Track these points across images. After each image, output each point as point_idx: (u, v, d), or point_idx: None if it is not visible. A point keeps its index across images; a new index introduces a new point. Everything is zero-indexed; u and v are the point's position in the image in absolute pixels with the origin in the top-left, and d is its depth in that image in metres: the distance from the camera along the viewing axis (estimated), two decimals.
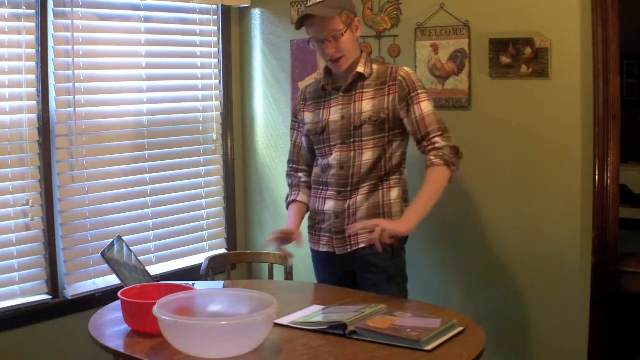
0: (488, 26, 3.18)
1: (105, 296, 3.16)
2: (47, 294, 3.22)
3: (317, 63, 3.73)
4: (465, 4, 3.24)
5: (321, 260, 2.82)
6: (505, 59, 3.14)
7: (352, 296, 2.57)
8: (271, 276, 3.30)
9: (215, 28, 3.90)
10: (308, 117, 2.81)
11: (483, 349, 2.09)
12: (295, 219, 2.80)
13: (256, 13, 3.97)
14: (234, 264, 3.84)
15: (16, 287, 3.11)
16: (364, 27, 3.54)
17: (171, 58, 3.72)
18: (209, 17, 3.87)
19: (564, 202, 3.06)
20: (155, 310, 1.97)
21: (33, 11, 3.10)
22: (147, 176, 3.61)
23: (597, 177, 2.98)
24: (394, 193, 2.70)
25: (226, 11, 3.94)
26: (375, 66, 2.73)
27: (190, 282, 2.67)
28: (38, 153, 3.15)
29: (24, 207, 3.12)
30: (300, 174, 2.89)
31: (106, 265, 2.54)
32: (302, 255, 3.71)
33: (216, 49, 3.91)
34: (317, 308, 2.40)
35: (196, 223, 3.87)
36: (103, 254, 2.53)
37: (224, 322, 1.97)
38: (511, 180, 3.20)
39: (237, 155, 4.06)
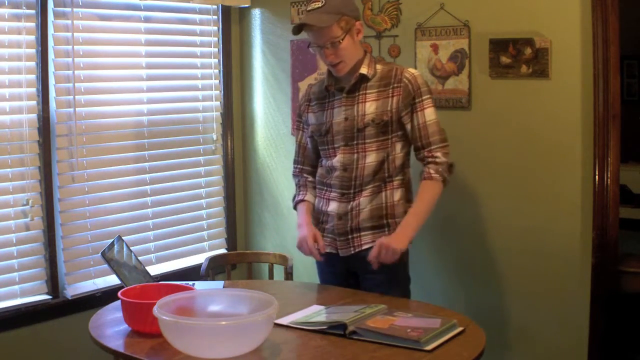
0: (488, 26, 3.18)
1: (105, 296, 3.16)
2: (47, 294, 3.22)
3: (317, 63, 3.73)
4: (465, 4, 3.24)
5: (323, 261, 2.82)
6: (505, 59, 3.14)
7: (353, 296, 2.57)
8: (271, 276, 3.30)
9: (215, 28, 3.90)
10: (312, 117, 2.80)
11: (483, 349, 2.09)
12: (308, 217, 2.79)
13: (256, 13, 3.97)
14: (234, 264, 3.84)
15: (16, 287, 3.11)
16: (364, 27, 3.54)
17: (171, 58, 3.72)
18: (209, 17, 3.87)
19: (564, 202, 3.06)
20: (155, 310, 1.97)
21: (33, 11, 3.10)
22: (147, 176, 3.61)
23: (597, 177, 2.98)
24: (397, 194, 2.70)
25: (226, 11, 3.94)
26: (378, 66, 2.72)
27: (190, 282, 2.67)
28: (38, 153, 3.15)
29: (24, 207, 3.12)
30: (306, 175, 2.89)
31: (106, 265, 2.54)
32: (302, 255, 3.70)
33: (216, 49, 3.91)
34: (317, 308, 2.40)
35: (196, 223, 3.87)
36: (103, 254, 2.53)
37: (224, 322, 1.97)
38: (511, 180, 3.20)
39: (237, 155, 4.06)
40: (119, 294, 2.23)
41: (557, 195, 3.08)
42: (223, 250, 3.95)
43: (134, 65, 3.55)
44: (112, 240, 2.66)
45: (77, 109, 3.26)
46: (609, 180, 2.96)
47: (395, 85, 2.65)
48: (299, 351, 2.09)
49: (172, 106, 3.73)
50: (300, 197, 2.87)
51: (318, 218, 2.81)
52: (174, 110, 3.74)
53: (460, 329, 2.17)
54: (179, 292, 2.21)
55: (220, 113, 3.94)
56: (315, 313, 2.33)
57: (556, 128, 3.06)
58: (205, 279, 3.19)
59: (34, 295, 3.18)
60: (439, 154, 2.65)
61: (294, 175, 2.95)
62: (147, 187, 3.62)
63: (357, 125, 2.67)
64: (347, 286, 2.71)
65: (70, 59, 3.23)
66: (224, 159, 3.98)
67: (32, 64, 3.12)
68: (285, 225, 3.94)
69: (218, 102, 3.93)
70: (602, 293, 3.01)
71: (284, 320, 2.26)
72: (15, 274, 3.11)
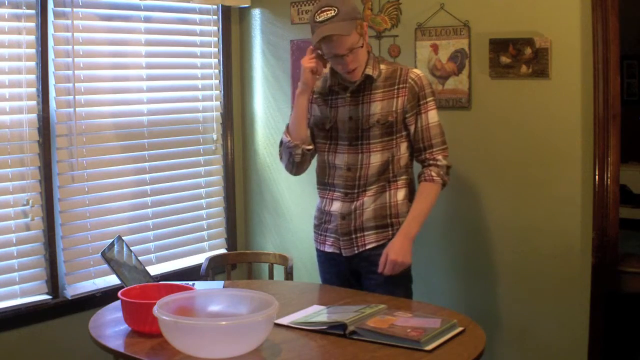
0: (488, 26, 3.18)
1: (105, 296, 3.16)
2: (47, 294, 3.22)
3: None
4: (465, 4, 3.24)
5: (326, 260, 2.82)
6: (505, 59, 3.14)
7: (353, 296, 2.57)
8: (271, 276, 3.30)
9: (215, 28, 3.90)
10: (316, 109, 2.78)
11: (483, 349, 2.09)
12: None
13: (256, 13, 3.97)
14: (234, 264, 3.84)
15: (16, 287, 3.11)
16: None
17: (171, 58, 3.72)
18: (209, 17, 3.87)
19: (564, 202, 3.06)
20: (155, 310, 1.97)
21: (33, 11, 3.10)
22: (147, 176, 3.61)
23: (597, 177, 2.98)
24: (401, 194, 2.70)
25: (226, 11, 3.94)
26: (382, 66, 2.70)
27: (190, 282, 2.67)
28: (38, 153, 3.15)
29: (24, 207, 3.12)
30: None
31: (106, 265, 2.54)
32: (302, 255, 3.71)
33: (216, 49, 3.91)
34: (317, 308, 2.40)
35: (196, 223, 3.86)
36: (103, 254, 2.53)
37: (224, 322, 1.97)
38: (511, 180, 3.20)
39: (237, 155, 4.06)
40: (119, 294, 2.23)
41: (557, 195, 3.08)
42: (223, 250, 3.95)
43: (134, 65, 3.54)
44: (112, 240, 2.66)
45: (77, 109, 3.26)
46: (609, 180, 2.96)
47: (401, 85, 2.65)
48: (299, 351, 2.09)
49: (172, 106, 3.73)
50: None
51: (321, 218, 2.80)
52: (174, 110, 3.74)
53: (461, 329, 2.17)
54: (179, 292, 2.21)
55: (220, 113, 3.94)
56: (315, 313, 2.33)
57: (556, 128, 3.06)
58: (205, 279, 3.19)
59: (34, 295, 3.18)
60: (440, 157, 2.67)
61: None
62: (147, 187, 3.61)
63: (362, 126, 2.66)
64: (348, 287, 2.71)
65: (70, 59, 3.23)
66: (224, 159, 3.98)
67: (32, 64, 3.12)
68: (285, 225, 3.94)
69: (218, 102, 3.93)
70: (602, 293, 3.01)
71: (284, 320, 2.26)
72: (15, 274, 3.11)
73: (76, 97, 3.26)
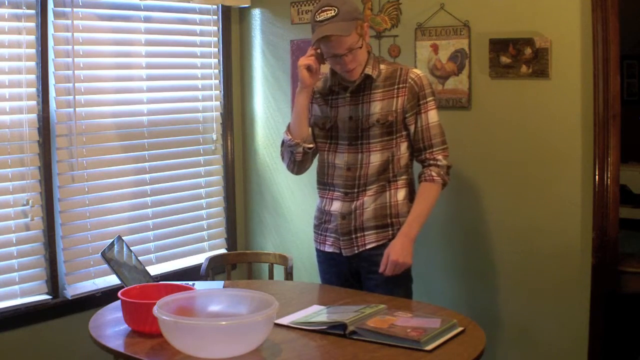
0: (488, 26, 3.18)
1: (105, 296, 3.16)
2: (47, 294, 3.22)
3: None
4: (465, 4, 3.24)
5: (326, 260, 2.82)
6: (505, 59, 3.14)
7: (352, 296, 2.57)
8: (271, 276, 3.30)
9: (215, 28, 3.90)
10: (317, 109, 2.78)
11: (483, 349, 2.09)
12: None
13: (256, 13, 3.97)
14: (234, 264, 3.84)
15: (16, 287, 3.11)
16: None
17: (171, 58, 3.72)
18: (209, 17, 3.87)
19: (564, 202, 3.06)
20: (155, 310, 1.97)
21: (33, 11, 3.10)
22: (147, 176, 3.61)
23: (597, 177, 2.98)
24: (401, 194, 2.70)
25: (226, 11, 3.94)
26: (382, 66, 2.70)
27: (190, 282, 2.67)
28: (38, 153, 3.15)
29: (24, 207, 3.12)
30: None
31: (106, 265, 2.54)
32: (302, 255, 3.72)
33: (216, 49, 3.91)
34: (317, 308, 2.40)
35: (196, 223, 3.87)
36: (103, 254, 2.53)
37: (224, 322, 1.97)
38: (511, 180, 3.20)
39: (237, 155, 4.06)
40: (119, 294, 2.23)
41: (557, 195, 3.08)
42: (223, 250, 3.95)
43: (134, 65, 3.54)
44: (112, 240, 2.66)
45: (77, 109, 3.26)
46: (609, 180, 2.96)
47: (401, 85, 2.65)
48: (299, 351, 2.09)
49: (172, 106, 3.73)
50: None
51: (320, 218, 2.80)
52: (174, 110, 3.74)
53: (461, 329, 2.17)
54: (179, 292, 2.21)
55: (220, 113, 3.94)
56: (315, 313, 2.33)
57: (556, 128, 3.06)
58: (205, 279, 3.19)
59: (34, 295, 3.18)
60: (440, 157, 2.66)
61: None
62: (147, 187, 3.61)
63: (362, 126, 2.66)
64: (348, 287, 2.71)
65: (70, 59, 3.23)
66: (224, 159, 3.98)
67: (32, 64, 3.12)
68: (285, 225, 3.94)
69: (218, 102, 3.93)
70: (602, 293, 3.01)
71: (284, 320, 2.26)
72: (15, 274, 3.11)
73: (76, 97, 3.26)
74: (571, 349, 3.08)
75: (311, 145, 2.77)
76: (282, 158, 2.83)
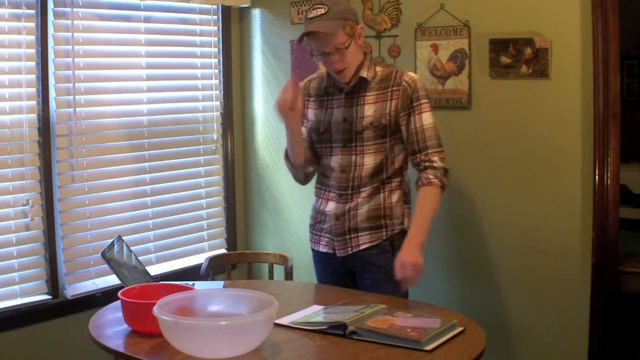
0: (488, 26, 3.18)
1: (105, 296, 3.16)
2: (47, 294, 3.22)
3: (317, 63, 3.72)
4: (465, 4, 3.24)
5: (321, 260, 2.82)
6: (505, 59, 3.14)
7: (352, 296, 2.57)
8: (271, 276, 3.30)
9: (215, 28, 3.90)
10: (311, 114, 2.78)
11: (483, 349, 2.09)
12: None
13: (256, 13, 3.97)
14: (234, 264, 3.84)
15: (16, 287, 3.11)
16: (364, 29, 3.54)
17: (171, 58, 3.72)
18: (209, 17, 3.87)
19: (564, 202, 3.06)
20: (155, 310, 1.97)
21: (33, 11, 3.10)
22: (147, 176, 3.61)
23: (597, 177, 2.98)
24: (395, 196, 2.69)
25: (226, 11, 3.94)
26: (378, 68, 2.69)
27: (190, 282, 2.67)
28: (38, 153, 3.15)
29: (24, 207, 3.12)
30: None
31: (106, 265, 2.54)
32: (302, 255, 3.71)
33: (216, 49, 3.91)
34: (317, 308, 2.40)
35: (196, 223, 3.87)
36: (103, 254, 2.53)
37: (224, 322, 1.97)
38: (511, 180, 3.20)
39: (237, 155, 4.06)
40: (119, 294, 2.23)
41: (557, 195, 3.08)
42: (223, 250, 3.95)
43: (134, 65, 3.54)
44: (112, 240, 2.66)
45: (77, 109, 3.26)
46: (609, 180, 2.96)
47: (395, 88, 2.64)
48: (299, 351, 2.09)
49: (172, 106, 3.73)
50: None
51: (316, 218, 2.80)
52: (174, 110, 3.74)
53: (460, 329, 2.17)
54: (179, 292, 2.21)
55: (220, 113, 3.94)
56: (315, 313, 2.33)
57: (556, 128, 3.06)
58: (205, 279, 3.19)
59: (34, 295, 3.18)
60: (435, 158, 2.63)
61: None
62: (147, 187, 3.61)
63: (356, 128, 2.65)
64: (344, 286, 2.71)
65: (70, 59, 3.23)
66: (224, 159, 3.98)
67: (32, 64, 3.12)
68: (285, 225, 3.94)
69: (218, 102, 3.93)
70: (602, 293, 3.01)
71: (284, 320, 2.26)
72: (15, 274, 3.11)
73: (76, 97, 3.26)
74: (571, 349, 3.08)
75: (311, 169, 2.81)
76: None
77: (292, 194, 3.87)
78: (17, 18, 3.05)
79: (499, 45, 3.15)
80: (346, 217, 2.68)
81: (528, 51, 3.07)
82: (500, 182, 3.23)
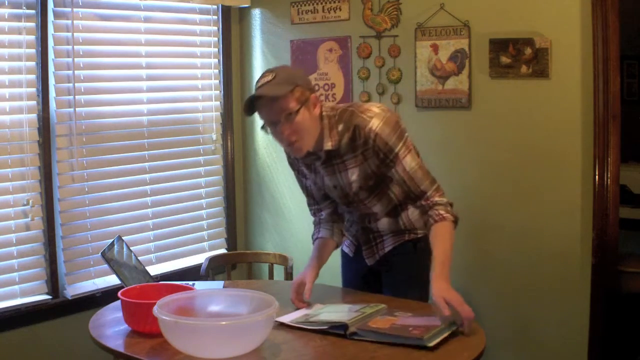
0: (488, 26, 3.18)
1: (105, 296, 3.16)
2: (47, 294, 3.22)
3: (317, 63, 3.73)
4: (465, 4, 3.24)
5: (347, 260, 2.80)
6: (505, 59, 3.14)
7: (352, 295, 2.57)
8: (271, 276, 3.30)
9: (215, 28, 3.90)
10: (307, 170, 2.63)
11: (483, 348, 2.08)
12: (313, 260, 2.62)
13: (256, 13, 3.97)
14: (234, 264, 3.84)
15: (16, 287, 3.11)
16: (364, 27, 3.55)
17: (171, 58, 3.72)
18: (209, 17, 3.87)
19: (564, 202, 3.06)
20: (155, 310, 1.97)
21: (33, 11, 3.10)
22: (147, 176, 3.61)
23: (597, 177, 2.98)
24: (415, 211, 2.56)
25: (226, 11, 3.94)
26: (340, 127, 2.43)
27: (190, 282, 2.66)
28: (38, 153, 3.15)
29: (24, 207, 3.12)
30: (322, 213, 2.72)
31: (106, 265, 2.54)
32: (302, 255, 3.71)
33: (216, 49, 3.91)
34: (318, 307, 2.40)
35: (196, 223, 3.87)
36: (103, 254, 2.53)
37: (224, 322, 1.96)
38: (511, 180, 3.20)
39: (237, 155, 4.06)
40: (119, 294, 2.23)
41: (557, 195, 3.08)
42: (223, 250, 3.95)
43: (134, 65, 3.55)
44: (112, 240, 2.66)
45: (77, 109, 3.26)
46: (609, 180, 2.97)
47: (364, 148, 2.43)
48: (299, 351, 2.09)
49: (172, 106, 3.73)
50: (315, 236, 2.71)
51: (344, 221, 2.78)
52: (174, 111, 3.74)
53: (460, 324, 2.17)
54: (179, 292, 2.21)
55: (220, 113, 3.94)
56: (316, 312, 2.33)
57: (556, 128, 3.06)
58: (205, 279, 3.19)
59: (34, 295, 3.18)
60: (436, 199, 2.45)
61: (313, 215, 2.77)
62: (147, 187, 3.62)
63: (350, 192, 2.53)
64: (369, 284, 2.67)
65: (70, 59, 3.23)
66: (224, 159, 3.98)
67: (32, 64, 3.12)
68: (285, 225, 3.94)
69: (218, 102, 3.93)
70: (602, 293, 3.01)
71: (285, 320, 2.26)
72: (15, 274, 3.11)
73: (76, 97, 3.26)
74: (571, 349, 3.08)
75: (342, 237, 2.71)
76: None
77: (292, 194, 3.87)
78: (17, 18, 3.05)
79: (499, 45, 3.15)
80: (369, 237, 2.65)
81: (528, 51, 3.07)
82: (500, 182, 3.23)
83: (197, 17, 3.81)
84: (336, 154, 2.45)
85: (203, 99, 3.87)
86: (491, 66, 3.18)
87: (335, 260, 2.84)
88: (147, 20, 3.57)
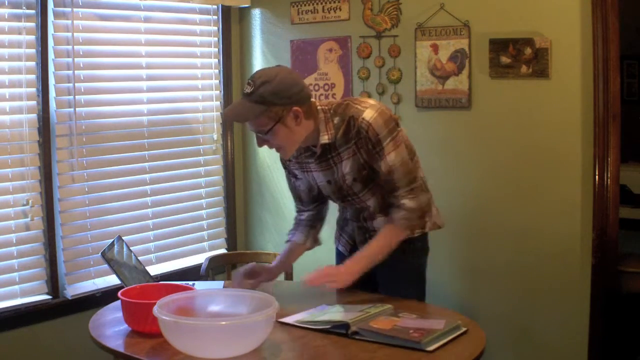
0: (488, 26, 3.18)
1: (105, 296, 3.15)
2: (47, 294, 3.22)
3: (317, 63, 3.73)
4: (465, 4, 3.24)
5: (343, 259, 2.79)
6: (505, 59, 3.14)
7: (353, 296, 2.57)
8: None
9: (215, 28, 3.90)
10: (299, 173, 2.66)
11: (483, 348, 2.09)
12: (278, 262, 2.70)
13: (256, 13, 3.97)
14: (234, 264, 3.84)
15: (16, 287, 3.11)
16: (364, 27, 3.55)
17: (171, 58, 3.72)
18: (209, 17, 3.87)
19: (564, 202, 3.06)
20: (155, 310, 1.97)
21: (33, 11, 3.10)
22: (147, 176, 3.61)
23: (597, 177, 2.98)
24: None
25: (226, 11, 3.94)
26: (336, 120, 2.45)
27: (190, 282, 2.67)
28: (38, 153, 3.15)
29: (24, 207, 3.12)
30: (304, 213, 2.77)
31: (106, 265, 2.54)
32: (302, 255, 3.70)
33: (216, 49, 3.91)
34: (323, 307, 2.40)
35: (196, 223, 3.87)
36: (103, 254, 2.53)
37: (224, 322, 1.97)
38: (511, 180, 3.20)
39: (237, 155, 4.06)
40: (119, 294, 2.23)
41: (557, 195, 3.08)
42: (223, 250, 3.95)
43: (134, 65, 3.54)
44: (112, 240, 2.66)
45: (77, 109, 3.26)
46: (609, 180, 2.97)
47: (357, 139, 2.44)
48: (299, 351, 2.09)
49: (172, 106, 3.73)
50: (288, 237, 2.77)
51: (340, 222, 2.79)
52: (174, 111, 3.74)
53: (464, 329, 2.17)
54: (179, 292, 2.21)
55: (220, 113, 3.94)
56: (321, 312, 2.33)
57: (556, 128, 3.06)
58: (205, 279, 3.19)
59: (34, 295, 3.18)
60: (405, 201, 2.45)
61: (297, 213, 2.83)
62: (147, 187, 3.62)
63: (344, 185, 2.54)
64: (365, 281, 2.67)
65: (70, 59, 3.23)
66: (224, 159, 3.98)
67: (32, 64, 3.12)
68: (285, 225, 3.92)
69: (218, 102, 3.93)
70: (602, 293, 3.01)
71: (290, 319, 2.26)
72: (15, 274, 3.11)
73: (76, 97, 3.26)
74: (571, 349, 3.08)
75: (323, 214, 2.75)
76: None
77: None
78: (17, 18, 3.05)
79: (499, 45, 3.15)
80: (366, 236, 2.65)
81: (528, 51, 3.07)
82: (500, 182, 3.23)
83: (197, 17, 3.81)
84: (332, 147, 2.47)
85: (203, 99, 3.87)
86: (491, 66, 3.18)
87: (331, 259, 2.84)
88: (147, 20, 3.57)
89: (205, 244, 3.90)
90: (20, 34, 3.06)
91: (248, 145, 4.06)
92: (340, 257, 2.78)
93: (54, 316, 3.22)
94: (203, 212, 3.89)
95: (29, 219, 3.12)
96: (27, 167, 3.11)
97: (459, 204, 3.30)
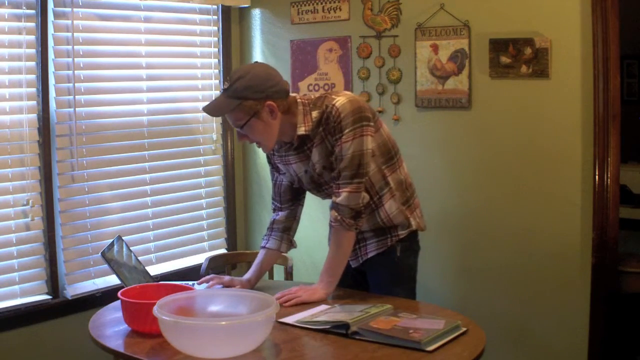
0: (488, 26, 3.18)
1: (105, 296, 3.16)
2: (47, 294, 3.22)
3: (317, 63, 3.73)
4: (465, 4, 3.24)
5: None
6: (505, 59, 3.14)
7: (354, 296, 2.57)
8: (271, 276, 3.30)
9: (215, 28, 3.90)
10: (281, 166, 2.68)
11: (483, 349, 2.09)
12: (252, 273, 2.71)
13: (256, 13, 3.97)
14: (234, 264, 3.84)
15: (16, 287, 3.11)
16: (364, 27, 3.55)
17: (171, 58, 3.72)
18: (209, 17, 3.87)
19: (564, 202, 3.06)
20: (155, 310, 1.97)
21: (33, 11, 3.10)
22: (147, 176, 3.61)
23: (597, 177, 2.98)
24: (392, 207, 2.58)
25: (226, 11, 3.94)
26: (314, 114, 2.47)
27: (190, 282, 2.66)
28: (38, 153, 3.15)
29: (24, 207, 3.12)
30: (280, 213, 2.75)
31: (106, 265, 2.54)
32: (302, 255, 3.71)
33: (216, 49, 3.91)
34: (323, 307, 2.40)
35: (196, 223, 3.87)
36: (103, 254, 2.53)
37: (224, 322, 1.97)
38: (511, 180, 3.20)
39: (237, 155, 4.06)
40: (119, 294, 2.23)
41: (557, 195, 3.08)
42: (223, 250, 3.95)
43: (134, 65, 3.54)
44: (112, 240, 2.66)
45: (77, 109, 3.26)
46: (609, 180, 2.97)
47: (325, 124, 2.46)
48: (299, 351, 2.09)
49: (172, 106, 3.73)
50: (262, 243, 2.77)
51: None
52: (174, 111, 3.74)
53: (464, 329, 2.17)
54: (179, 292, 2.21)
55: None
56: (321, 312, 2.33)
57: (556, 128, 3.07)
58: None
59: (34, 295, 3.18)
60: (342, 191, 2.44)
61: (273, 211, 2.82)
62: (147, 187, 3.62)
63: (316, 174, 2.55)
64: (357, 283, 2.69)
65: (70, 59, 3.23)
66: (224, 159, 3.98)
67: (32, 64, 3.12)
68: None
69: None
70: (602, 293, 3.01)
71: (290, 319, 2.27)
72: (15, 274, 3.11)
73: (76, 97, 3.26)
74: (571, 349, 3.08)
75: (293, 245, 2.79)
76: None
77: None
78: (17, 18, 3.05)
79: (498, 45, 3.15)
80: (355, 243, 2.65)
81: (528, 51, 3.07)
82: (499, 181, 3.23)
83: (197, 17, 3.81)
84: (308, 139, 2.51)
85: (203, 99, 3.87)
86: (491, 66, 3.18)
87: (314, 262, 2.85)
88: (147, 20, 3.57)
89: (205, 244, 3.90)
90: (20, 34, 3.06)
91: (248, 146, 4.06)
92: None
93: (54, 316, 3.22)
94: (203, 212, 3.89)
95: (29, 219, 3.12)
96: (27, 167, 3.11)
97: (459, 203, 3.31)
